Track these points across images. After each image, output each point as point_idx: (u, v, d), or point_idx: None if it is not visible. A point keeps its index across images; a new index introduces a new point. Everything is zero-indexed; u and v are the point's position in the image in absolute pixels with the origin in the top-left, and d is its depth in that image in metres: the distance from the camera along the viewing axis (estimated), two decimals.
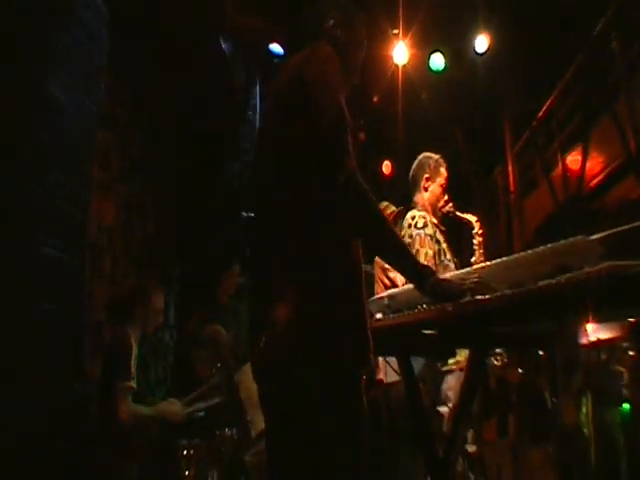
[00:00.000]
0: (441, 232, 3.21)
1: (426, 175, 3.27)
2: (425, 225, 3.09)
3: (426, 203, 3.25)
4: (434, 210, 3.27)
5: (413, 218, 3.16)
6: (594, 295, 1.18)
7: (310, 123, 1.38)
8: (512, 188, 8.73)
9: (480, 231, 3.26)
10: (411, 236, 3.07)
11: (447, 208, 3.27)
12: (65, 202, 3.13)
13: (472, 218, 3.27)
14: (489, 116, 8.43)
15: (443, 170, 3.31)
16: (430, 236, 3.05)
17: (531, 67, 7.68)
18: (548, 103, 7.56)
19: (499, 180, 9.26)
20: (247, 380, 2.65)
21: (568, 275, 1.23)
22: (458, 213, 3.28)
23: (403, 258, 1.45)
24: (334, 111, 1.39)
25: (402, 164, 7.48)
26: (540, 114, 7.79)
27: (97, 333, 4.33)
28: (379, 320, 1.67)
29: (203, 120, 6.17)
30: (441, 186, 3.28)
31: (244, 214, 4.66)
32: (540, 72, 7.64)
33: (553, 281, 1.25)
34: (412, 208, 3.25)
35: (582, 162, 6.66)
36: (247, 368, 2.72)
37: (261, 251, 1.47)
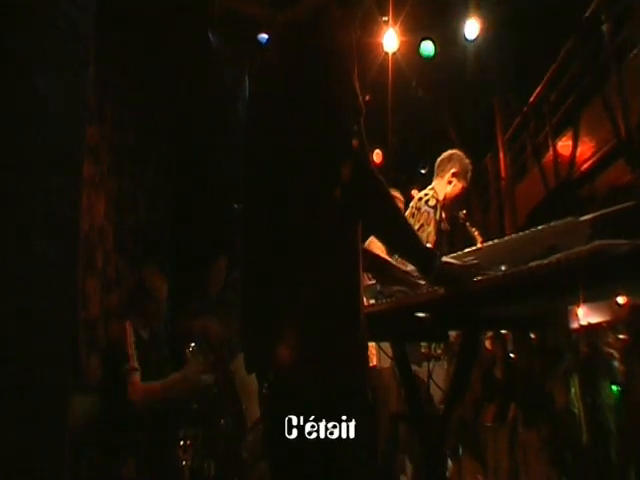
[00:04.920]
0: (443, 229, 3.13)
1: (454, 170, 3.17)
2: (435, 207, 3.02)
3: (440, 196, 3.15)
4: (445, 207, 3.16)
5: (426, 195, 3.09)
6: (584, 274, 1.18)
7: (318, 110, 1.28)
8: (503, 174, 8.75)
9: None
10: (419, 209, 3.01)
11: (460, 214, 3.18)
12: (55, 198, 3.12)
13: (478, 237, 3.14)
14: (480, 102, 8.43)
15: (469, 177, 3.23)
16: (437, 221, 3.00)
17: (522, 52, 7.67)
18: (539, 88, 7.57)
19: (490, 166, 9.29)
20: (242, 370, 2.65)
21: (558, 255, 1.24)
22: (468, 224, 3.19)
23: (414, 243, 1.41)
24: (347, 97, 1.28)
25: (392, 152, 7.49)
26: (531, 99, 7.80)
27: (91, 329, 4.32)
28: (372, 305, 1.67)
29: (193, 114, 6.14)
30: (462, 189, 3.19)
31: (236, 206, 4.64)
32: (531, 57, 7.64)
33: (544, 261, 1.25)
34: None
35: (573, 147, 6.68)
36: (241, 358, 2.73)
37: (254, 252, 1.36)
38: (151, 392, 2.79)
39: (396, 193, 3.41)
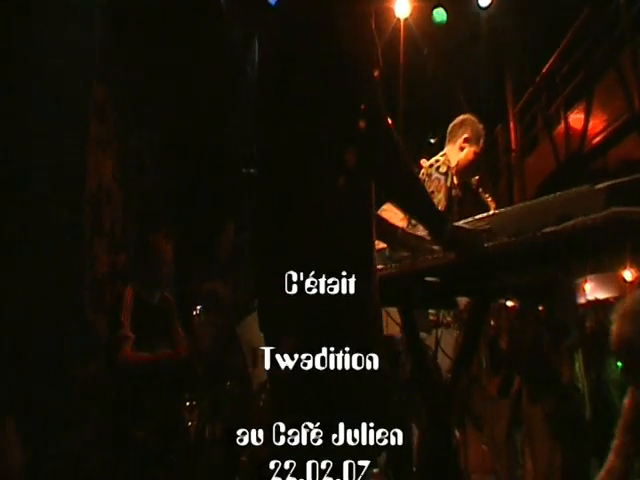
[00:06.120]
0: (453, 196, 3.10)
1: (466, 135, 3.13)
2: (446, 174, 2.99)
3: (452, 162, 3.10)
4: (458, 173, 3.12)
5: (437, 161, 3.06)
6: (599, 240, 1.17)
7: (335, 65, 1.27)
8: (513, 146, 8.66)
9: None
10: (430, 175, 2.98)
11: (473, 180, 3.12)
12: (63, 158, 3.11)
13: (492, 204, 3.12)
14: (491, 73, 8.30)
15: (482, 141, 3.19)
16: (447, 187, 2.97)
17: (535, 22, 7.52)
18: (552, 60, 7.43)
19: (500, 138, 9.18)
20: (248, 332, 2.68)
21: (573, 221, 1.23)
22: (481, 190, 3.09)
23: (426, 205, 1.42)
24: (364, 50, 1.29)
25: (402, 121, 7.41)
26: (543, 71, 7.67)
27: (99, 287, 4.35)
28: (381, 269, 1.66)
29: (201, 75, 6.07)
30: (475, 154, 3.15)
31: (244, 170, 4.62)
32: (544, 28, 7.50)
33: (558, 227, 1.24)
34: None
35: (585, 120, 6.59)
36: (248, 320, 2.76)
37: (266, 219, 1.34)
38: (139, 363, 2.78)
39: None
